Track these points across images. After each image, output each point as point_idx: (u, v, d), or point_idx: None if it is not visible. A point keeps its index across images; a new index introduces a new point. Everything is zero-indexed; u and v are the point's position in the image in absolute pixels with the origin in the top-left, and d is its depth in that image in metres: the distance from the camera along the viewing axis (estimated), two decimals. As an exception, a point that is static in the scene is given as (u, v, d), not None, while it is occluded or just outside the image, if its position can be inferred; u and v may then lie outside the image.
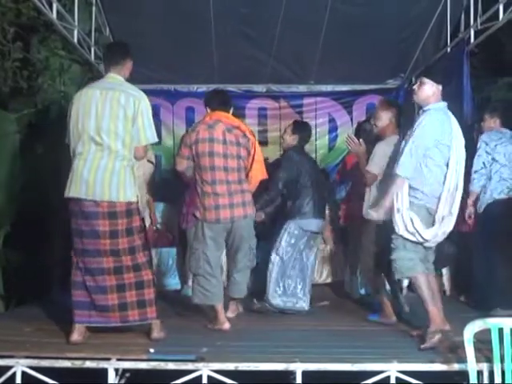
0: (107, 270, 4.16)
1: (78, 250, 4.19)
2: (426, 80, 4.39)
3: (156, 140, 4.32)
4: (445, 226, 4.35)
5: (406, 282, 6.21)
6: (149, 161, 6.01)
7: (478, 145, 5.47)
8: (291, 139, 5.71)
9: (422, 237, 4.29)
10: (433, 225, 4.32)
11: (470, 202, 5.50)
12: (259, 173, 5.09)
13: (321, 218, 5.68)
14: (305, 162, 5.66)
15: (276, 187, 5.57)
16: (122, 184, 4.12)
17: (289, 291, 5.49)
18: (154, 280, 4.30)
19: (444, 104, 4.43)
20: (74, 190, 4.12)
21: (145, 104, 4.18)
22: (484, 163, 5.45)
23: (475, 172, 5.46)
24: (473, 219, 5.62)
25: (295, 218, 5.52)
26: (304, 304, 5.48)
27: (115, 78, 4.27)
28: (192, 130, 4.86)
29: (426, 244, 4.36)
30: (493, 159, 5.45)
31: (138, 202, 4.25)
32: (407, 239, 4.32)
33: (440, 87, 4.40)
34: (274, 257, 5.50)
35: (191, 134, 4.82)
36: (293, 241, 5.51)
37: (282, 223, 5.59)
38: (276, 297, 5.48)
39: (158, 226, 6.86)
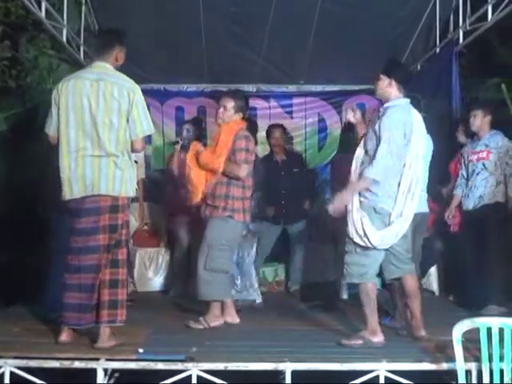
0: (97, 268, 4.04)
1: (75, 248, 4.07)
2: (380, 76, 4.30)
3: (153, 131, 4.24)
4: (395, 229, 4.20)
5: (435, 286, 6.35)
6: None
7: None
8: None
9: (369, 241, 4.17)
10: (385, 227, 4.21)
11: None
12: None
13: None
14: None
15: None
16: (124, 179, 4.05)
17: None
18: (127, 280, 4.28)
19: (406, 101, 4.32)
20: (77, 191, 4.01)
21: (139, 95, 4.05)
22: None
23: None
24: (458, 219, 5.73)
25: None
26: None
27: (103, 66, 4.10)
28: (251, 139, 5.03)
29: (379, 247, 4.24)
30: None
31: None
32: (357, 243, 4.23)
33: (393, 83, 4.25)
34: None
35: (250, 142, 4.97)
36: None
37: None
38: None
39: (146, 226, 6.85)
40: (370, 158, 4.22)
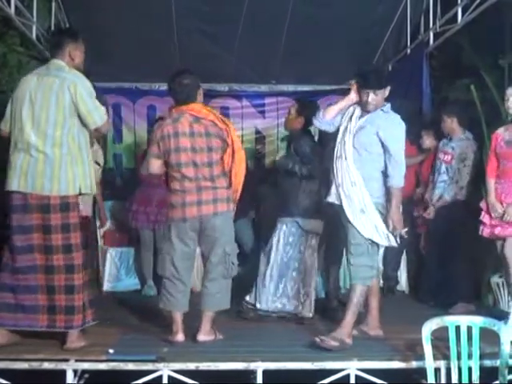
0: (35, 268, 3.97)
1: (16, 247, 3.99)
2: None
3: (104, 120, 4.10)
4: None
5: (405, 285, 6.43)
6: (95, 162, 5.79)
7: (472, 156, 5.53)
8: (296, 122, 5.41)
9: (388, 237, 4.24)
10: None
11: None
12: (242, 166, 4.50)
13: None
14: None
15: None
16: (56, 176, 3.94)
17: (292, 293, 5.11)
18: (86, 284, 4.10)
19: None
20: (17, 184, 3.97)
21: (83, 86, 4.00)
22: None
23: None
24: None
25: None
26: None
27: (56, 63, 4.11)
28: (158, 126, 4.53)
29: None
30: None
31: (77, 196, 4.05)
32: (374, 243, 4.23)
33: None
34: (272, 258, 5.17)
35: (157, 130, 4.47)
36: (291, 239, 5.17)
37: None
38: (276, 300, 5.13)
39: (107, 226, 6.80)
40: None
